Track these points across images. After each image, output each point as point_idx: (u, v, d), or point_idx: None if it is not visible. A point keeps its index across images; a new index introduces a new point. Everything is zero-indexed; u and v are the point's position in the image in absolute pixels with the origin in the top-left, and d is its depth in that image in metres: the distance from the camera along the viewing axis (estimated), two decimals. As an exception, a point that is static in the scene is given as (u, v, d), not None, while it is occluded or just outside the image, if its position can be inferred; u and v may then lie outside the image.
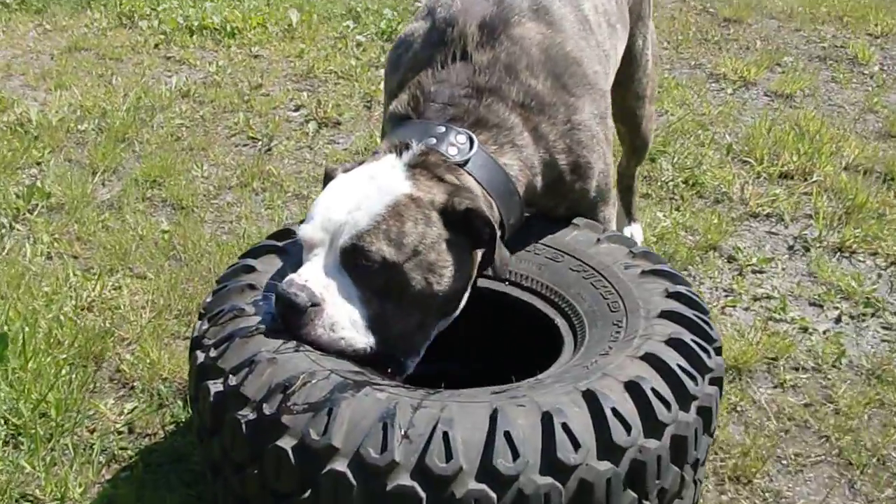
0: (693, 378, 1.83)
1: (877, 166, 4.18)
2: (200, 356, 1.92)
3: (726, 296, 3.27)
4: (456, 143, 2.12)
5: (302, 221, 2.16)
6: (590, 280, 2.15)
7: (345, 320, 1.94)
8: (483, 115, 2.17)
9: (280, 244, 2.23)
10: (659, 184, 4.03)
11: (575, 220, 2.34)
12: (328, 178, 2.16)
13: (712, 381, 1.89)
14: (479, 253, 2.10)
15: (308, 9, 6.18)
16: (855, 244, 3.57)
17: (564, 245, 2.26)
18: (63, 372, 2.66)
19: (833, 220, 3.72)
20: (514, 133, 2.19)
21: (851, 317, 3.17)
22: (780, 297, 3.25)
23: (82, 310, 3.03)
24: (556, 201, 2.32)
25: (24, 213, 3.67)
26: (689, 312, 1.99)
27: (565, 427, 1.66)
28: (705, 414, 1.84)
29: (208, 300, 2.09)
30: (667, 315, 1.98)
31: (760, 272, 3.43)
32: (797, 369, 2.89)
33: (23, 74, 5.17)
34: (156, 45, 5.66)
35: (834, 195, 3.92)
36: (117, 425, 2.55)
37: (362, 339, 1.95)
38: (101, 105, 4.70)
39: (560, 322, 2.13)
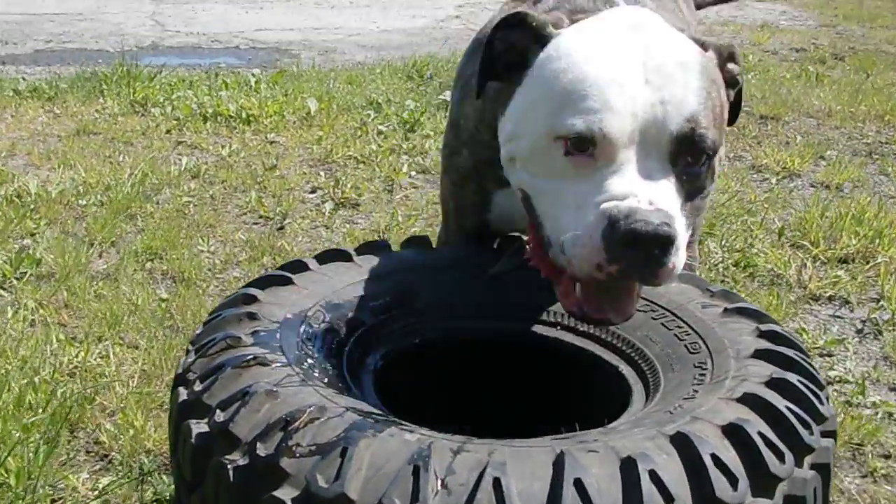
0: (806, 426, 1.44)
1: (945, 252, 3.82)
2: (183, 393, 1.54)
3: (794, 378, 2.86)
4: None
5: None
6: (660, 321, 1.78)
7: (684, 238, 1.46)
8: None
9: (290, 275, 1.87)
10: (708, 266, 3.66)
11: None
12: (535, 31, 1.56)
13: (826, 434, 1.50)
14: None
15: (327, 99, 5.95)
16: (933, 328, 3.18)
17: (626, 285, 1.89)
18: (30, 439, 2.26)
19: (906, 302, 3.35)
20: None
21: (940, 403, 2.76)
22: (855, 380, 2.84)
23: (62, 376, 2.65)
24: None
25: (11, 280, 3.32)
26: (789, 352, 1.61)
27: (653, 476, 1.26)
28: (823, 472, 1.43)
29: (198, 332, 1.73)
30: (762, 355, 1.60)
31: (829, 355, 3.03)
32: (887, 457, 2.48)
33: (27, 154, 4.88)
34: (168, 131, 5.39)
35: (903, 277, 3.56)
36: (90, 500, 2.14)
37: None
38: (104, 181, 4.39)
39: (625, 369, 1.75)
